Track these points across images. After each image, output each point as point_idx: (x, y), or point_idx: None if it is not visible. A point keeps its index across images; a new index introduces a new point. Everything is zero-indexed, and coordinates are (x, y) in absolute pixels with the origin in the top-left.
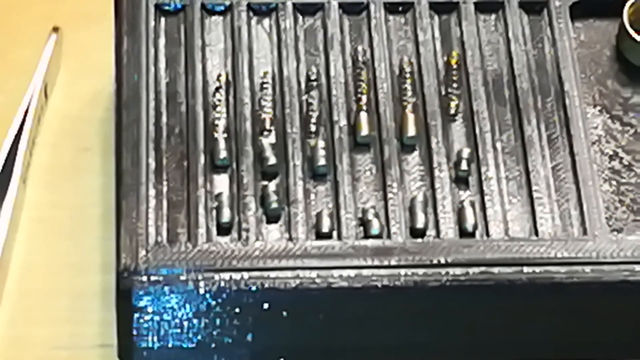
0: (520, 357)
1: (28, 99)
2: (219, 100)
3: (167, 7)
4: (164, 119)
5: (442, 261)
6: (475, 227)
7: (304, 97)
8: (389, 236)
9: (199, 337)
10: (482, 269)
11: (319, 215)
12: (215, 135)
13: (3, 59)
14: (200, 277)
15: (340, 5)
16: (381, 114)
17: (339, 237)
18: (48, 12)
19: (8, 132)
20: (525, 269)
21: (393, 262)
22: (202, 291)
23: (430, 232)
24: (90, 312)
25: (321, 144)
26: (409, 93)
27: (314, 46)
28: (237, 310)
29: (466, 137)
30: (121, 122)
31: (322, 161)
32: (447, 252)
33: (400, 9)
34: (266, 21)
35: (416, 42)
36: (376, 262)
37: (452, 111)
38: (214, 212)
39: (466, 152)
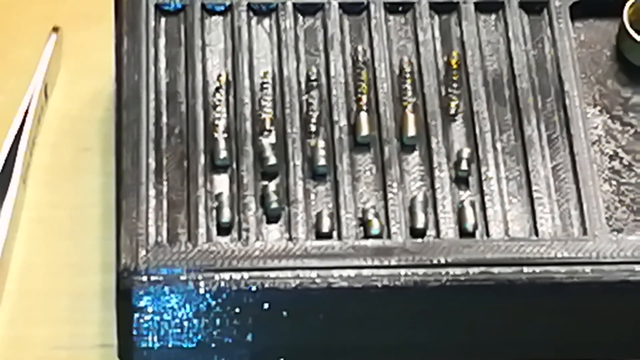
0: (520, 357)
1: (28, 99)
2: (219, 100)
3: (167, 7)
4: (164, 119)
5: (442, 261)
6: (475, 227)
7: (304, 97)
8: (389, 236)
9: (199, 337)
10: (482, 269)
11: (319, 215)
12: (215, 135)
13: (3, 59)
14: (200, 277)
15: (340, 5)
16: (381, 114)
17: (339, 237)
18: (48, 12)
19: (8, 132)
20: (525, 269)
21: (393, 262)
22: (202, 291)
23: (430, 232)
24: (90, 312)
25: (321, 144)
26: (409, 93)
27: (314, 46)
28: (237, 310)
29: (466, 137)
30: (121, 122)
31: (322, 161)
32: (447, 252)
33: (400, 9)
34: (266, 21)
35: (416, 42)
36: (376, 262)
37: (452, 111)
38: (214, 212)
39: (466, 152)
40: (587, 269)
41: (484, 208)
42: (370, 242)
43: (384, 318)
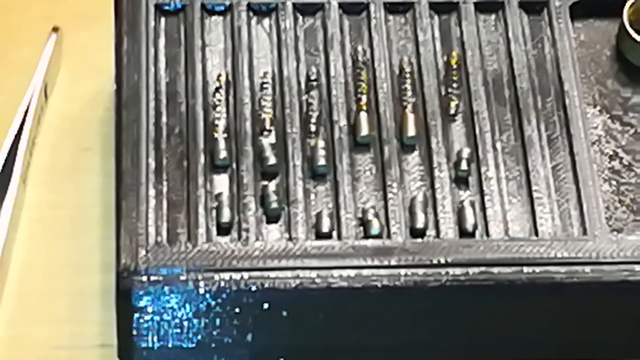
0: (520, 357)
1: (28, 99)
2: (219, 100)
3: (167, 7)
4: (164, 119)
5: (442, 261)
6: (475, 227)
7: (304, 97)
8: (389, 236)
9: (199, 337)
10: (482, 269)
11: (319, 215)
12: (215, 135)
13: (3, 59)
14: (200, 277)
15: (340, 5)
16: (381, 114)
17: (339, 237)
18: (48, 12)
19: (8, 132)
20: (525, 269)
21: (393, 262)
22: (202, 291)
23: (430, 232)
24: (90, 312)
25: (321, 144)
26: (409, 93)
27: (314, 46)
28: (237, 310)
29: (466, 137)
30: (121, 122)
31: (322, 161)
32: (447, 252)
33: (400, 9)
34: (266, 21)
35: (416, 42)
36: (376, 262)
37: (452, 111)
38: (214, 212)
39: (466, 152)
40: (587, 269)
41: (483, 208)
42: (370, 242)
43: (384, 318)
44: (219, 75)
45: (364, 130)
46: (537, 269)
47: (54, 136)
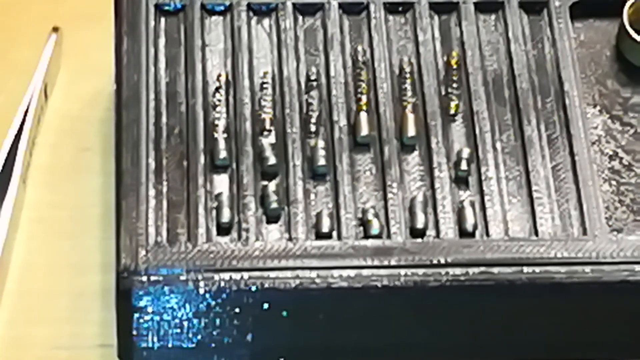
0: (520, 357)
1: (28, 99)
2: (219, 100)
3: (167, 7)
4: (164, 119)
5: (442, 261)
6: (475, 227)
7: (304, 97)
8: (389, 236)
9: (199, 337)
10: (482, 269)
11: (318, 215)
12: (215, 135)
13: (3, 59)
14: (200, 277)
15: (340, 5)
16: (381, 114)
17: (339, 237)
18: (48, 12)
19: (8, 132)
20: (525, 269)
21: (393, 262)
22: (202, 291)
23: (430, 232)
24: (90, 312)
25: (321, 144)
26: (409, 93)
27: (314, 46)
28: (237, 310)
29: (466, 137)
30: (121, 122)
31: (322, 161)
32: (447, 252)
33: (400, 9)
34: (266, 21)
35: (416, 42)
36: (376, 262)
37: (452, 111)
38: (214, 212)
39: (466, 152)
40: (587, 269)
41: (483, 208)
42: (370, 242)
43: (384, 318)
44: (219, 75)
45: (364, 130)
46: (537, 269)
47: (54, 136)
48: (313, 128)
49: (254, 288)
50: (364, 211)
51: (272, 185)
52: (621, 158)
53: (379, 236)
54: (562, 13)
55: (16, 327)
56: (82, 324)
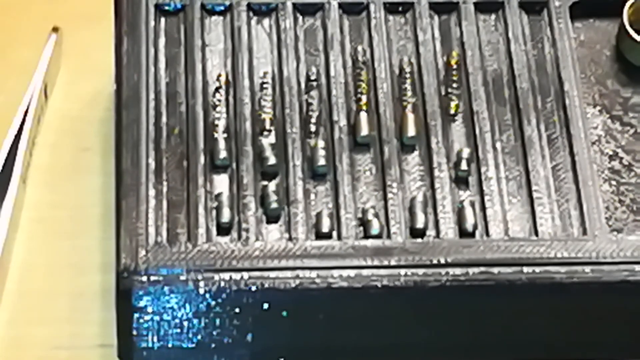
0: (520, 357)
1: (28, 99)
2: (219, 100)
3: (167, 7)
4: (164, 119)
5: (442, 261)
6: (475, 227)
7: (304, 97)
8: (389, 236)
9: (199, 337)
10: (482, 269)
11: (318, 215)
12: (215, 135)
13: (3, 59)
14: (200, 277)
15: (340, 5)
16: (381, 114)
17: (339, 237)
18: (48, 12)
19: (8, 132)
20: (525, 269)
21: (393, 262)
22: (202, 291)
23: (430, 232)
24: (90, 312)
25: (321, 144)
26: (409, 93)
27: (314, 46)
28: (237, 310)
29: (466, 137)
30: (121, 122)
31: (322, 161)
32: (447, 252)
33: (400, 9)
34: (266, 21)
35: (416, 42)
36: (376, 262)
37: (452, 111)
38: (214, 212)
39: (466, 152)
40: (587, 269)
41: (483, 208)
42: (370, 242)
43: (384, 318)
44: (219, 75)
45: (364, 130)
46: (537, 269)
47: (54, 136)
48: (313, 128)
49: (254, 288)
50: (364, 211)
51: (272, 185)
52: (621, 158)
53: (379, 236)
54: (562, 13)
55: (16, 327)
56: (82, 324)
